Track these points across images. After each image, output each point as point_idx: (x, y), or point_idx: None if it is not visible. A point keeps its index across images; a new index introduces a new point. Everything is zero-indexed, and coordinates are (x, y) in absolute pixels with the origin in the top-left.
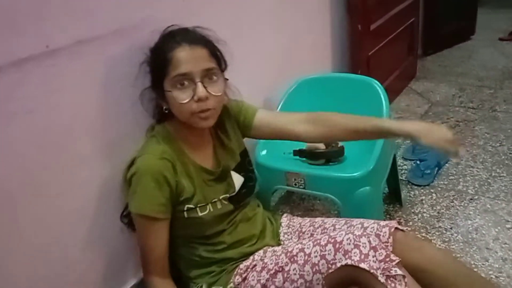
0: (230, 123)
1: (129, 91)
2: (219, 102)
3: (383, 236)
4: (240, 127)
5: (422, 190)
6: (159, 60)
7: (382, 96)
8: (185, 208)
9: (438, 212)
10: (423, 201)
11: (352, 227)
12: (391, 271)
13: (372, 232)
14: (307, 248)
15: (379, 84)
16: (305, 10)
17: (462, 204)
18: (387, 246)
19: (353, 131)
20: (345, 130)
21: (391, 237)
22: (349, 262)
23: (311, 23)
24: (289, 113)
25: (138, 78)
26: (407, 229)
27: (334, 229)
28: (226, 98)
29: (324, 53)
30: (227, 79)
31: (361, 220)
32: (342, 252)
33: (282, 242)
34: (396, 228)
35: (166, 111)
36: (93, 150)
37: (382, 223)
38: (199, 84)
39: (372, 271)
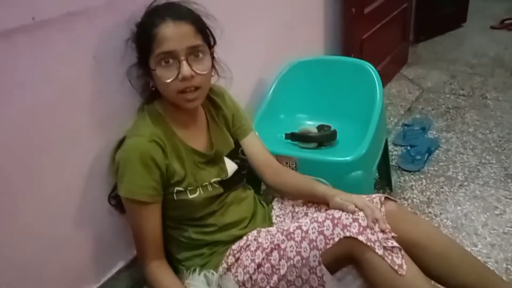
0: (227, 109)
1: (119, 67)
2: (205, 80)
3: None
4: (230, 130)
5: (412, 176)
6: (143, 36)
7: (376, 80)
8: (175, 191)
9: (428, 198)
10: (413, 187)
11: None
12: (388, 243)
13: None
14: (304, 225)
15: (373, 68)
16: None
17: (451, 190)
18: None
19: (303, 194)
20: (297, 191)
21: (383, 206)
22: (347, 234)
23: (306, 4)
24: (267, 154)
25: (126, 54)
26: (398, 201)
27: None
28: (215, 76)
29: (318, 35)
30: (214, 57)
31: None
32: (341, 227)
33: (274, 225)
34: (386, 197)
35: (153, 89)
36: (83, 126)
37: (373, 195)
38: (184, 63)
39: (369, 243)
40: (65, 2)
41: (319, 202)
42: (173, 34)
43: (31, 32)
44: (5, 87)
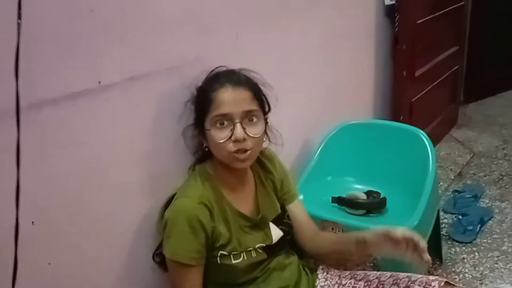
0: (277, 174)
1: (175, 127)
2: (257, 143)
3: None
4: (277, 195)
5: (463, 248)
6: (202, 99)
7: (428, 148)
8: (219, 254)
9: (481, 274)
10: (465, 260)
11: (399, 281)
12: None
13: (420, 286)
14: None
15: (425, 135)
16: (351, 54)
17: (507, 267)
18: None
19: (336, 245)
20: (331, 245)
21: None
22: None
23: (356, 66)
24: (309, 220)
25: (183, 116)
26: (458, 286)
27: (379, 283)
28: (267, 141)
29: (367, 97)
30: (267, 123)
31: (408, 274)
32: None
33: None
34: (446, 282)
35: (206, 149)
36: (136, 184)
37: (431, 277)
38: (238, 125)
39: None
40: (129, 67)
41: (358, 251)
42: (231, 98)
43: (95, 95)
44: (65, 145)
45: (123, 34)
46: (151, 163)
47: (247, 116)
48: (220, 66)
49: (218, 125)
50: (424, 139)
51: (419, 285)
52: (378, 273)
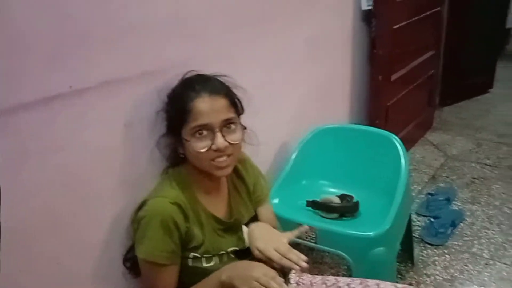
0: (249, 178)
1: (149, 133)
2: (237, 149)
3: None
4: (250, 198)
5: (435, 250)
6: (178, 108)
7: (401, 153)
8: (191, 256)
9: (452, 276)
10: (436, 262)
11: (368, 287)
12: None
13: None
14: None
15: (399, 140)
16: (329, 59)
17: (476, 269)
18: None
19: None
20: None
21: None
22: None
23: (333, 71)
24: (275, 225)
25: (156, 124)
26: None
27: None
28: (244, 144)
29: (344, 101)
30: (245, 128)
31: (377, 281)
32: None
33: None
34: None
35: (182, 156)
36: (111, 189)
37: (400, 285)
38: (218, 135)
39: None
40: (101, 71)
41: None
42: (209, 108)
43: (68, 100)
44: (44, 150)
45: (100, 38)
46: (126, 169)
47: (226, 124)
48: (191, 71)
49: (197, 135)
50: (397, 144)
51: None
52: (349, 279)
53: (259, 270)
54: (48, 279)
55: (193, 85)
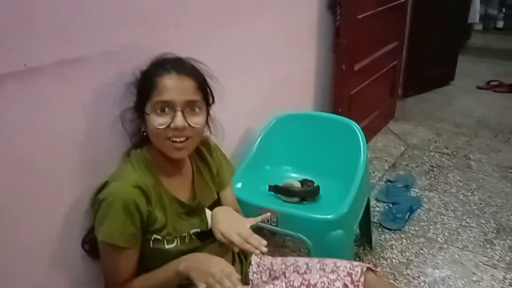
0: (213, 162)
1: (110, 112)
2: (196, 133)
3: (355, 275)
4: (214, 182)
5: (392, 235)
6: (145, 83)
7: (361, 141)
8: (152, 238)
9: (407, 259)
10: (393, 246)
11: (326, 266)
12: None
13: (344, 270)
14: None
15: (359, 128)
16: (294, 47)
17: (431, 253)
18: (358, 286)
19: None
20: None
21: (363, 276)
22: None
23: (298, 60)
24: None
25: (121, 99)
26: (379, 272)
27: (307, 268)
28: (206, 132)
29: (309, 90)
30: (210, 115)
31: (334, 260)
32: None
33: (251, 282)
34: (368, 268)
35: (145, 134)
36: (67, 172)
37: (355, 263)
38: (179, 113)
39: None
40: (58, 49)
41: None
42: (174, 86)
43: (22, 78)
44: None
45: (52, 16)
46: (84, 150)
47: (189, 105)
48: (168, 53)
49: (159, 111)
50: (357, 131)
51: (343, 270)
52: (307, 259)
53: (217, 266)
54: (3, 263)
55: (164, 64)
